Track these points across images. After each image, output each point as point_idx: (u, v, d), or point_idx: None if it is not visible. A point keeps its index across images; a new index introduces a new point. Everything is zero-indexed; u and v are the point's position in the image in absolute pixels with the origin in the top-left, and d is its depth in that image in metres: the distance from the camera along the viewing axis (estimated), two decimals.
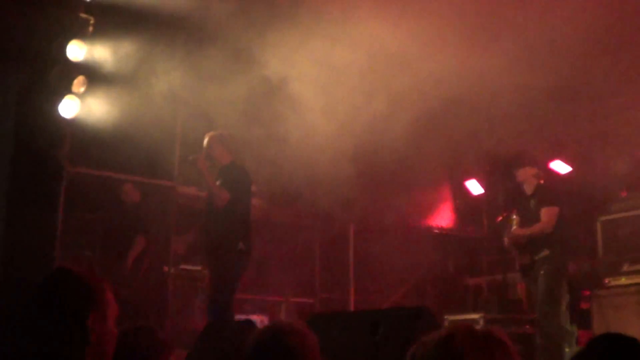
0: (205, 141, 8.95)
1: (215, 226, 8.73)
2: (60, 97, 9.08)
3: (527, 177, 9.49)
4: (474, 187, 13.63)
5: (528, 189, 9.47)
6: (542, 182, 9.58)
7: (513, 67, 8.92)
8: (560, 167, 12.15)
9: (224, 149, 8.94)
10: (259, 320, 9.78)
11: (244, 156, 9.31)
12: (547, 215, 9.14)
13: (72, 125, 9.39)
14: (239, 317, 9.21)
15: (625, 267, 9.93)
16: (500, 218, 10.03)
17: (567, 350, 8.68)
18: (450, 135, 10.76)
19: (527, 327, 10.10)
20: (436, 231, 13.69)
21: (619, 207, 10.37)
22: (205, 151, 8.90)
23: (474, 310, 11.40)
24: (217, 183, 8.75)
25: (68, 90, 9.12)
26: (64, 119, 9.18)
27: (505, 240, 9.56)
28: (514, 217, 9.56)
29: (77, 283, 3.18)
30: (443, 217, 13.84)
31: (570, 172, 12.05)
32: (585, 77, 9.77)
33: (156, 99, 9.60)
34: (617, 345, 2.80)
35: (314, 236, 12.91)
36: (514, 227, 9.50)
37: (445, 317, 10.79)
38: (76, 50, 9.12)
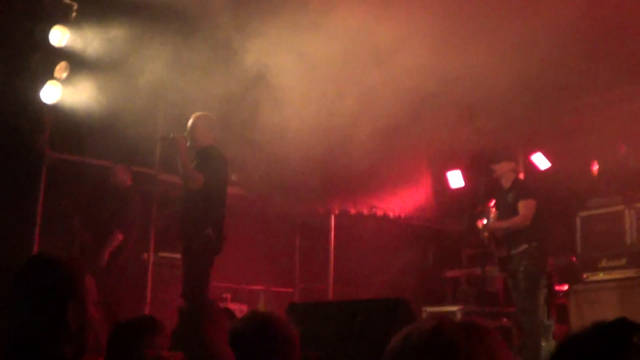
0: (190, 121, 8.87)
1: (185, 210, 8.68)
2: (42, 82, 9.05)
3: (504, 172, 9.52)
4: (456, 178, 13.60)
5: (505, 183, 9.51)
6: (519, 176, 9.64)
7: (493, 62, 8.96)
8: (540, 161, 12.19)
9: (207, 131, 8.84)
10: (238, 309, 9.77)
11: (225, 142, 9.28)
12: (525, 208, 9.20)
13: (54, 110, 9.36)
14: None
15: (603, 263, 9.98)
16: (479, 209, 10.07)
17: (544, 344, 8.74)
18: (430, 128, 10.79)
19: (505, 320, 10.16)
20: (416, 223, 13.73)
21: (597, 203, 10.42)
22: (188, 131, 8.83)
23: (452, 302, 11.46)
24: (192, 165, 8.63)
25: (50, 76, 9.09)
26: (45, 105, 9.15)
27: (483, 233, 9.63)
28: (492, 209, 9.62)
29: (57, 270, 3.12)
30: (423, 210, 13.86)
31: (550, 167, 12.09)
32: (565, 71, 9.83)
33: (138, 84, 9.56)
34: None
35: (294, 226, 12.92)
36: (492, 219, 9.57)
37: (424, 308, 10.84)
38: (59, 36, 9.09)
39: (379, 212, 13.16)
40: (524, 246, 9.08)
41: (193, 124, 8.84)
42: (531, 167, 12.15)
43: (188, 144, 8.70)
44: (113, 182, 10.10)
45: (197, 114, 8.92)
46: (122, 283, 9.82)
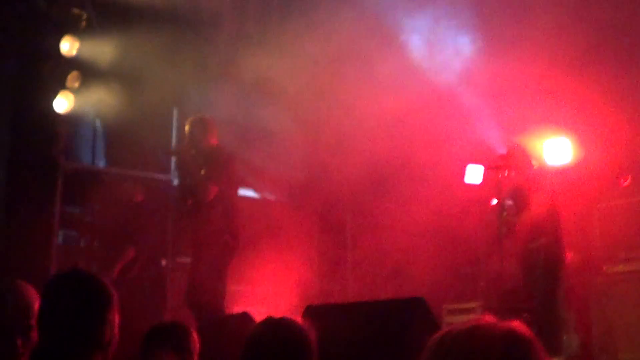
0: (187, 127, 8.77)
1: (200, 220, 8.55)
2: (55, 92, 9.09)
3: (518, 165, 9.48)
4: (474, 173, 13.41)
5: (520, 176, 9.46)
6: (534, 169, 9.60)
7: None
8: (556, 153, 12.04)
9: (207, 132, 8.70)
10: (257, 312, 9.73)
11: (240, 149, 9.26)
12: (539, 201, 9.15)
13: (67, 120, 9.39)
14: (237, 309, 9.16)
15: (622, 254, 9.93)
16: (495, 202, 10.00)
17: (564, 337, 8.70)
18: (449, 122, 10.78)
19: (525, 315, 10.10)
20: (433, 220, 13.65)
21: (615, 194, 10.36)
22: (188, 138, 8.75)
23: (471, 299, 11.40)
24: (202, 172, 8.48)
25: (62, 86, 9.13)
26: (58, 115, 9.18)
27: (501, 228, 9.58)
28: (509, 202, 9.57)
29: (97, 286, 3.25)
30: (440, 205, 13.80)
31: (566, 159, 11.98)
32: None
33: (151, 92, 9.57)
34: None
35: (312, 226, 12.90)
36: (508, 214, 9.52)
37: (443, 306, 10.81)
38: (69, 46, 9.13)
39: (395, 209, 13.12)
40: (542, 240, 9.03)
41: (190, 129, 8.70)
42: (546, 159, 12.06)
43: (193, 151, 8.60)
44: (123, 198, 10.00)
45: (191, 118, 8.79)
46: (140, 290, 9.80)
